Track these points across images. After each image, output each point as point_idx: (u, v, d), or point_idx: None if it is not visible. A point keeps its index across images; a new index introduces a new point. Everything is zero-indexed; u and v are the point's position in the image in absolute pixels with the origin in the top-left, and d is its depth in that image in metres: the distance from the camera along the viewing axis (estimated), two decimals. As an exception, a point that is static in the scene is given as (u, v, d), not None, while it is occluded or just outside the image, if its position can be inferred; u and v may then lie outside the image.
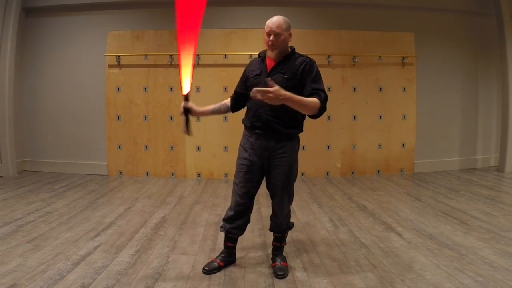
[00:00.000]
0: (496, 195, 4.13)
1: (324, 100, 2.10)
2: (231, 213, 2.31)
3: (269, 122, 2.14)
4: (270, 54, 2.17)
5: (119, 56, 5.16)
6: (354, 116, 5.35)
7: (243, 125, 2.33)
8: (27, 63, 5.41)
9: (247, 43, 5.14)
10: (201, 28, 2.06)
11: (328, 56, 5.18)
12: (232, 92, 2.41)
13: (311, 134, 5.25)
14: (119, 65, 5.20)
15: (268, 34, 2.11)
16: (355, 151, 5.39)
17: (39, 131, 5.47)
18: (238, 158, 2.30)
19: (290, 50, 2.22)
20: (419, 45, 5.38)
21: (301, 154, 5.32)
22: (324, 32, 5.25)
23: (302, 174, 5.31)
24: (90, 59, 5.27)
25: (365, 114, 5.36)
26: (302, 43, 5.20)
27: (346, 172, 5.38)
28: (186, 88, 2.16)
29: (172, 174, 5.29)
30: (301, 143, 5.50)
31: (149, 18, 5.27)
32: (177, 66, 5.18)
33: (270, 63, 2.19)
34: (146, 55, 5.19)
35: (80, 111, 5.34)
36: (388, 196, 4.16)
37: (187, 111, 2.19)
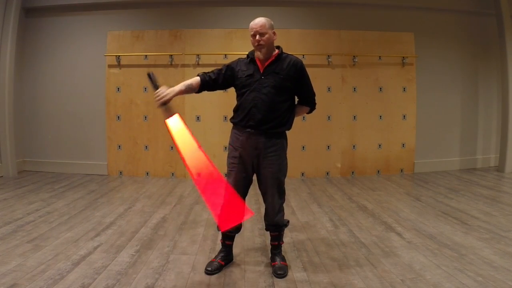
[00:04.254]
0: (496, 195, 4.13)
1: (315, 104, 2.41)
2: None
3: (262, 121, 2.19)
4: (259, 55, 2.24)
5: (119, 56, 5.16)
6: (354, 116, 5.35)
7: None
8: (27, 63, 5.41)
9: (247, 43, 5.06)
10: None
11: (328, 56, 5.18)
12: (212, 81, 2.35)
13: (311, 134, 5.25)
14: (119, 65, 5.20)
15: (254, 35, 2.20)
16: (355, 151, 5.39)
17: (39, 131, 5.47)
18: (229, 157, 2.33)
19: (278, 50, 2.28)
20: (419, 45, 5.38)
21: (301, 154, 5.38)
22: (324, 32, 5.25)
23: (302, 174, 5.31)
24: (90, 59, 5.27)
25: (365, 114, 5.36)
26: (302, 43, 5.20)
27: (346, 172, 5.38)
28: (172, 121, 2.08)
29: (172, 174, 5.29)
30: (301, 143, 5.50)
31: (149, 18, 5.26)
32: (177, 66, 5.20)
33: (261, 64, 2.25)
34: (146, 55, 5.18)
35: (80, 111, 5.34)
36: (388, 196, 4.16)
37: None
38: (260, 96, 2.19)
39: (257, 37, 2.18)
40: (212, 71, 2.33)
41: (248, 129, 2.23)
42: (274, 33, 2.23)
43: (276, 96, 2.19)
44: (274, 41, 2.25)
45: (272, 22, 2.24)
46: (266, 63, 2.23)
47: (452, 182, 4.81)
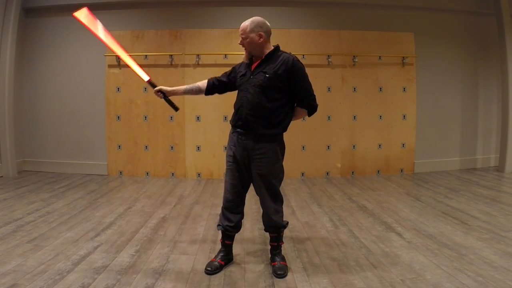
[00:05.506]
0: (496, 195, 4.13)
1: (314, 107, 2.26)
2: (223, 209, 2.39)
3: (248, 120, 2.20)
4: (245, 56, 2.31)
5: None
6: (354, 116, 5.35)
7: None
8: (27, 63, 5.41)
9: (247, 43, 5.13)
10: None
11: (328, 56, 5.18)
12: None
13: (311, 134, 5.25)
14: (119, 65, 5.20)
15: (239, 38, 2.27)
16: (355, 151, 5.39)
17: (39, 131, 5.47)
18: (226, 155, 2.38)
19: (272, 48, 2.28)
20: (419, 45, 5.38)
21: (301, 154, 5.38)
22: (324, 32, 5.25)
23: (302, 174, 5.31)
24: (90, 59, 5.26)
25: (365, 114, 5.36)
26: (302, 43, 5.21)
27: (346, 172, 5.38)
28: (144, 76, 2.62)
29: (172, 174, 5.29)
30: (301, 143, 5.46)
31: (149, 18, 5.26)
32: (177, 66, 5.21)
33: (254, 64, 2.29)
34: (146, 55, 5.18)
35: (80, 111, 5.34)
36: (388, 196, 4.16)
37: (163, 94, 2.44)
38: (246, 95, 2.21)
39: (240, 40, 2.24)
40: (222, 74, 2.44)
41: (238, 129, 2.26)
42: (259, 35, 2.18)
43: (262, 95, 2.16)
44: (264, 42, 2.20)
45: (261, 22, 2.20)
46: (257, 63, 2.26)
47: (452, 182, 4.81)
